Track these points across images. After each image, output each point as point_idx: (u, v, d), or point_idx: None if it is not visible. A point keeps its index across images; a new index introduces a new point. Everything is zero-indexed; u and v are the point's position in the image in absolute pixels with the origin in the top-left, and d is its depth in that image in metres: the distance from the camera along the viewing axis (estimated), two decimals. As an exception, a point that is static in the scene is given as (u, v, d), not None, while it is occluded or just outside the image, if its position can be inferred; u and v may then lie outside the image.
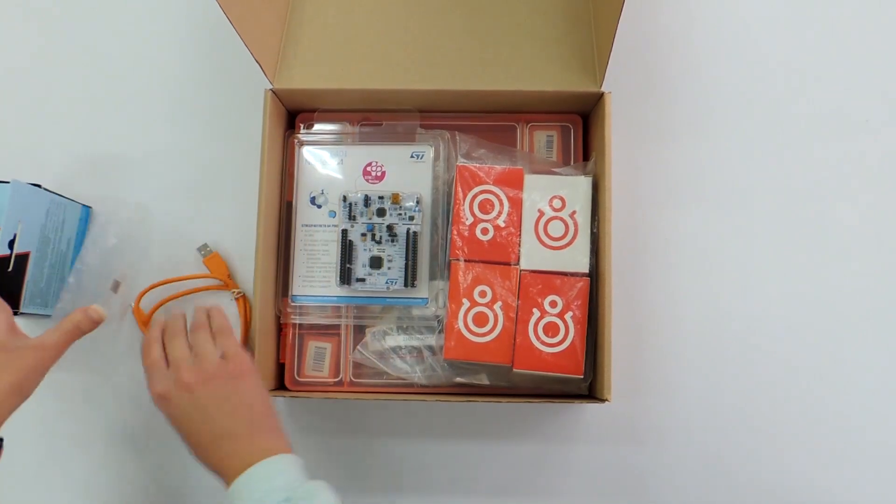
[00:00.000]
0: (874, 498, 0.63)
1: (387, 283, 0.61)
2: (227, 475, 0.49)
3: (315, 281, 0.63)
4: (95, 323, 0.54)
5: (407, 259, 0.61)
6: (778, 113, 0.68)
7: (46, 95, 0.70)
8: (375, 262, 0.61)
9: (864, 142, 0.67)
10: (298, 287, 0.63)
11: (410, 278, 0.61)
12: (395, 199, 0.61)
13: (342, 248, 0.61)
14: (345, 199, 0.62)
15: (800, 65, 0.69)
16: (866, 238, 0.66)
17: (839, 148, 0.67)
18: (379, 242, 0.61)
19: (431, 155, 0.62)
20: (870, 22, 0.69)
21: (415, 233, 0.61)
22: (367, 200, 0.61)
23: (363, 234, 0.61)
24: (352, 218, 0.62)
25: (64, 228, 0.64)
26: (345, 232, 0.62)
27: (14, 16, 0.72)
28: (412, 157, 0.63)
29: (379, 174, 0.63)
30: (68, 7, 0.72)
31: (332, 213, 0.63)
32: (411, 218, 0.61)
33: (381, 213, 0.61)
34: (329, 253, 0.63)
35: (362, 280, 0.61)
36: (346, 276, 0.61)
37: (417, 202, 0.61)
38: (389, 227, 0.61)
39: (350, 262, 0.61)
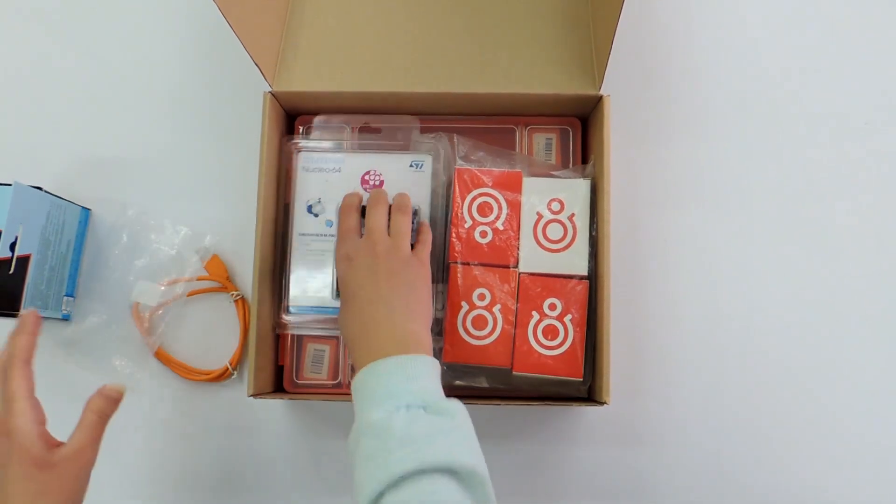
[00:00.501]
0: (874, 499, 0.63)
1: None
2: (369, 354, 0.47)
3: (311, 291, 0.61)
4: (117, 402, 0.50)
5: None
6: (776, 115, 0.68)
7: (47, 98, 0.71)
8: None
9: (863, 143, 0.67)
10: (295, 297, 0.61)
11: None
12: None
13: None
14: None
15: (798, 67, 0.69)
16: (865, 239, 0.66)
17: (838, 150, 0.67)
18: None
19: (430, 164, 0.62)
20: (869, 24, 0.69)
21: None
22: (363, 212, 0.58)
23: None
24: None
25: (64, 231, 0.64)
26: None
27: (15, 19, 0.73)
28: (411, 165, 0.62)
29: (377, 182, 0.62)
30: (69, 10, 0.72)
31: (329, 223, 0.62)
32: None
33: None
34: (326, 263, 0.61)
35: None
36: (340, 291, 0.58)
37: (416, 214, 0.59)
38: None
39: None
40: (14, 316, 0.59)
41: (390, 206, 0.57)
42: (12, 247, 0.58)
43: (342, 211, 0.57)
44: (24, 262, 0.59)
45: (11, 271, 0.58)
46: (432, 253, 0.57)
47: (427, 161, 0.62)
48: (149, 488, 0.64)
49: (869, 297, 0.65)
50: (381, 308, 0.51)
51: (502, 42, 0.63)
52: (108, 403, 0.50)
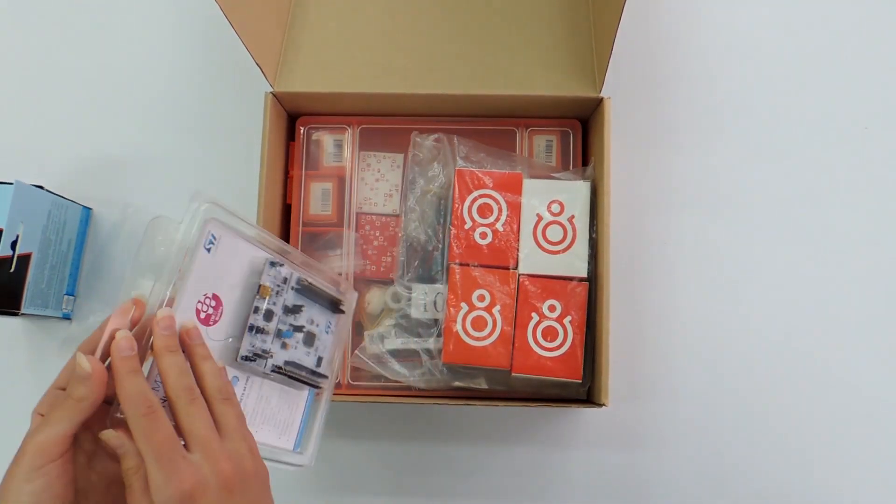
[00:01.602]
0: (876, 500, 0.63)
1: (326, 329, 0.53)
2: None
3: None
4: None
5: (316, 298, 0.52)
6: (777, 119, 0.68)
7: (49, 98, 0.71)
8: (308, 339, 0.51)
9: (864, 148, 0.67)
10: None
11: (335, 308, 0.53)
12: (265, 291, 0.47)
13: (292, 375, 0.50)
14: (246, 358, 0.46)
15: (800, 71, 0.69)
16: (865, 243, 0.66)
17: (838, 154, 0.67)
18: (298, 328, 0.50)
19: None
20: (870, 29, 0.69)
21: (296, 287, 0.49)
22: (257, 330, 0.47)
23: (283, 346, 0.49)
24: (264, 355, 0.47)
25: (65, 229, 0.64)
26: (277, 369, 0.48)
27: (17, 20, 0.73)
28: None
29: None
30: (71, 11, 0.72)
31: None
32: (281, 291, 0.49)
33: (268, 317, 0.48)
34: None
35: (320, 361, 0.52)
36: (317, 378, 0.52)
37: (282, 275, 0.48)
38: (286, 309, 0.49)
39: (303, 370, 0.51)
40: (15, 314, 0.59)
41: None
42: (13, 245, 0.58)
43: (130, 399, 0.37)
44: (24, 260, 0.60)
45: (12, 270, 0.59)
46: (434, 255, 0.57)
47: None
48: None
49: (870, 301, 0.65)
50: None
51: (503, 44, 0.63)
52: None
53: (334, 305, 0.53)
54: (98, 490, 0.40)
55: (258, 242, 0.48)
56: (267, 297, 0.47)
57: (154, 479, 0.36)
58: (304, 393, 0.52)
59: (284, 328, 0.49)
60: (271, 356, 0.48)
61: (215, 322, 0.45)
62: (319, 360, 0.52)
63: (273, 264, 0.48)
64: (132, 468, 0.37)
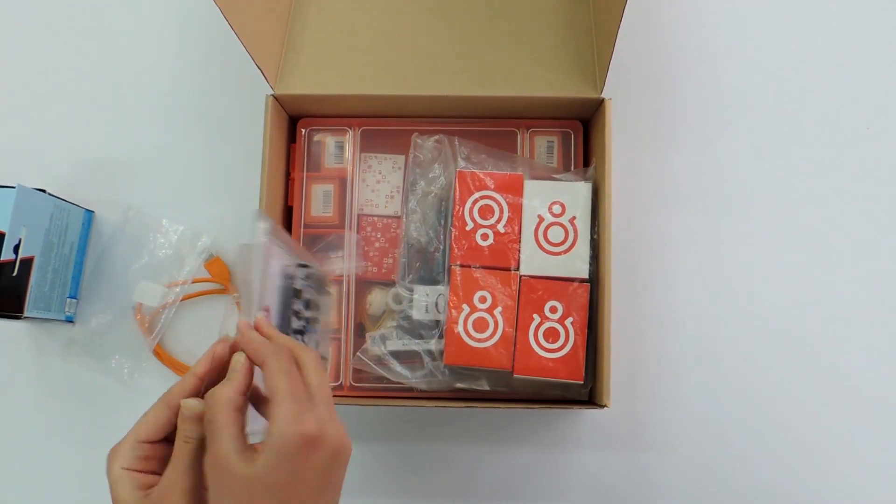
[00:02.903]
0: (877, 499, 0.63)
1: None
2: None
3: None
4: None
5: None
6: (779, 119, 0.68)
7: (50, 101, 0.71)
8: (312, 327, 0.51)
9: (866, 147, 0.67)
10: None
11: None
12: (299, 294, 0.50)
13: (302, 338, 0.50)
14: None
15: (801, 70, 0.69)
16: (867, 243, 0.66)
17: (840, 154, 0.67)
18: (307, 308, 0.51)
19: None
20: (871, 28, 0.69)
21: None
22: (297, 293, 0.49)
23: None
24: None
25: (67, 233, 0.64)
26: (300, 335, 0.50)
27: (19, 23, 0.73)
28: None
29: None
30: (72, 14, 0.72)
31: None
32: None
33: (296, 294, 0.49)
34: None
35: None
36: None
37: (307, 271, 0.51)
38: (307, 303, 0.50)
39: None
40: (18, 318, 0.59)
41: None
42: (16, 249, 0.58)
43: (278, 354, 0.40)
44: (27, 264, 0.60)
45: (15, 273, 0.59)
46: (435, 257, 0.57)
47: None
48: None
49: (872, 301, 0.65)
50: None
51: (504, 45, 0.63)
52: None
53: (324, 288, 0.54)
54: None
55: (282, 243, 0.49)
56: (301, 299, 0.49)
57: (283, 415, 0.37)
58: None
59: (306, 325, 0.50)
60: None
61: None
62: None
63: (302, 266, 0.49)
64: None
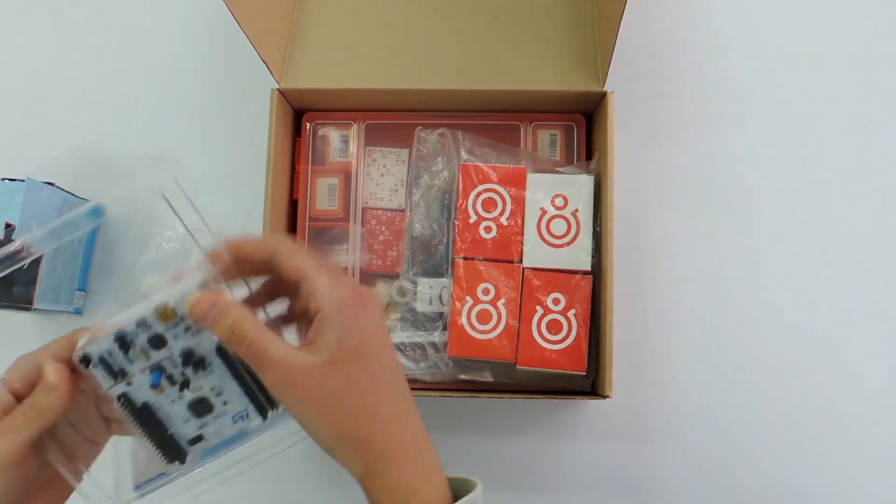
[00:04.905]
0: (878, 494, 0.63)
1: (234, 419, 0.40)
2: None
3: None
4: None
5: (241, 378, 0.39)
6: (782, 112, 0.68)
7: (58, 96, 0.72)
8: (200, 408, 0.40)
9: (869, 141, 0.67)
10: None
11: (261, 405, 0.40)
12: (165, 315, 0.38)
13: (138, 420, 0.39)
14: (86, 359, 0.38)
15: (804, 63, 0.69)
16: (870, 237, 0.66)
17: (844, 147, 0.67)
18: (185, 383, 0.39)
19: None
20: (874, 21, 0.69)
21: (220, 346, 0.38)
22: (123, 342, 0.38)
23: (154, 386, 0.38)
24: (119, 376, 0.38)
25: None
26: (125, 399, 0.38)
27: (27, 18, 0.74)
28: None
29: None
30: (79, 9, 0.73)
31: None
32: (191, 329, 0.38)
33: (157, 343, 0.38)
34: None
35: (199, 439, 0.40)
36: (174, 451, 0.40)
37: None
38: (186, 355, 0.39)
39: (164, 429, 0.39)
40: (27, 310, 0.60)
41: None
42: (25, 242, 0.59)
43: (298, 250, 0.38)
44: (36, 257, 0.60)
45: (25, 266, 0.59)
46: (439, 249, 0.57)
47: None
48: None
49: (873, 296, 0.65)
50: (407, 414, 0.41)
51: (507, 39, 0.63)
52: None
53: (261, 404, 0.40)
54: (48, 486, 0.39)
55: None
56: (167, 324, 0.38)
57: (328, 285, 0.35)
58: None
59: (175, 373, 0.39)
60: (129, 383, 0.38)
61: None
62: (198, 438, 0.40)
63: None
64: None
